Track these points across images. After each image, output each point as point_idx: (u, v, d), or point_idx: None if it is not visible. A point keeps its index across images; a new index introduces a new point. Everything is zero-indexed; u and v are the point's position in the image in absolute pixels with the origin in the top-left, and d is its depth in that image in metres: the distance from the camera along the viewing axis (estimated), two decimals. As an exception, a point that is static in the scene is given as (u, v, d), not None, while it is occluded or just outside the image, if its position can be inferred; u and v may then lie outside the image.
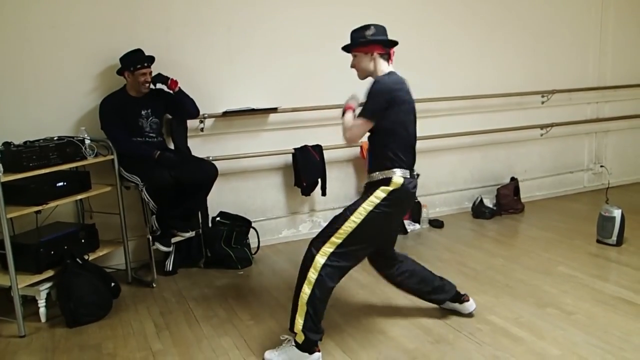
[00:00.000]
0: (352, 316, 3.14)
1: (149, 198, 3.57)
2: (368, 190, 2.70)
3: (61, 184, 3.30)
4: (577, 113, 5.63)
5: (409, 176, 2.68)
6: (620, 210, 4.04)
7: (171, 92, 3.76)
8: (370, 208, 2.62)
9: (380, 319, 3.08)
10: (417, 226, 4.77)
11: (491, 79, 5.14)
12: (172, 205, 3.68)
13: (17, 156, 3.05)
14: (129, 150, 3.62)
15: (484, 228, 4.76)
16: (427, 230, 4.74)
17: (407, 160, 2.70)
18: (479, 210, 5.03)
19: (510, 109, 5.29)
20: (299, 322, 2.57)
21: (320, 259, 2.59)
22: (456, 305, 3.05)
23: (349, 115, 2.76)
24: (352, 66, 2.79)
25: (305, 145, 4.37)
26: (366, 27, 2.71)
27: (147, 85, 3.68)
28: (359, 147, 4.58)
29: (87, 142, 3.44)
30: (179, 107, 3.84)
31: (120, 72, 3.68)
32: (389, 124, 2.64)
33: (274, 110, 4.27)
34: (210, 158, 4.03)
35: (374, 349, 2.75)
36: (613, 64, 5.73)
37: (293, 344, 2.62)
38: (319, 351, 2.62)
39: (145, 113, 3.74)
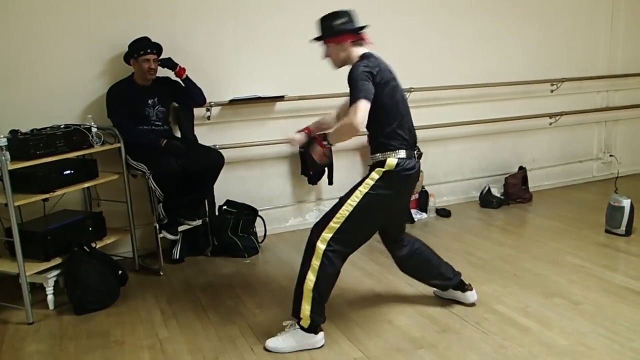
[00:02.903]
0: (358, 305, 3.14)
1: (155, 186, 3.57)
2: (368, 172, 2.70)
3: (68, 172, 3.30)
4: (586, 102, 5.58)
5: (405, 156, 2.63)
6: (629, 200, 4.01)
7: (178, 79, 3.76)
8: (366, 190, 2.61)
9: (386, 308, 3.07)
10: (424, 215, 4.75)
11: (500, 67, 5.09)
12: (179, 193, 3.68)
13: (24, 144, 3.05)
14: (136, 139, 3.62)
15: (492, 217, 4.74)
16: (434, 220, 4.72)
17: (404, 139, 2.65)
18: (486, 200, 5.00)
19: (518, 98, 5.25)
20: (306, 308, 2.60)
21: (321, 245, 2.59)
22: (458, 294, 3.04)
23: (332, 131, 2.67)
24: (324, 57, 2.75)
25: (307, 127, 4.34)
26: (335, 16, 2.66)
27: (152, 72, 3.65)
28: (365, 136, 4.55)
29: (94, 130, 3.44)
30: (186, 95, 3.83)
31: (127, 60, 3.68)
32: (379, 103, 2.56)
33: (280, 98, 4.25)
34: (217, 146, 4.02)
35: (380, 338, 2.75)
36: (624, 52, 5.65)
37: (297, 327, 2.65)
38: (321, 330, 2.68)
39: (152, 102, 3.74)
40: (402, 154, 2.64)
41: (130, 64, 3.68)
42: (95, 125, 3.47)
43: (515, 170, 5.19)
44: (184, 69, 3.76)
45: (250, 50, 4.20)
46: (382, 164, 2.63)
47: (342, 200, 2.64)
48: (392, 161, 2.61)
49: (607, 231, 4.11)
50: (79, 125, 3.42)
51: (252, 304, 3.22)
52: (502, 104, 5.17)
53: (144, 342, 2.82)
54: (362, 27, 2.70)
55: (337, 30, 2.64)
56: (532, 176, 5.26)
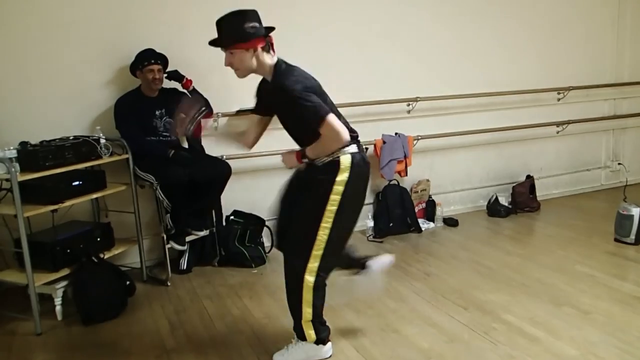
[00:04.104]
0: (365, 314, 3.12)
1: (163, 196, 3.58)
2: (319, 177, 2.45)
3: (77, 183, 3.33)
4: (594, 110, 5.56)
5: (355, 149, 2.43)
6: (638, 209, 3.98)
7: (185, 91, 3.79)
8: (334, 208, 2.41)
9: (394, 318, 3.06)
10: (432, 224, 4.74)
11: (506, 75, 5.09)
12: (186, 204, 3.69)
13: (33, 155, 3.08)
14: (144, 149, 3.64)
15: (500, 226, 4.72)
16: (442, 229, 4.70)
17: (351, 134, 2.43)
18: (494, 209, 4.98)
19: (525, 106, 5.24)
20: (311, 334, 2.57)
21: (310, 278, 2.45)
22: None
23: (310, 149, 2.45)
24: (228, 64, 2.41)
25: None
26: (243, 18, 2.31)
27: (157, 82, 3.68)
28: (372, 145, 4.57)
29: (103, 141, 3.46)
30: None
31: (133, 72, 3.72)
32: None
33: (287, 108, 4.26)
34: (224, 157, 4.04)
35: (388, 348, 2.74)
36: (630, 60, 5.64)
37: (298, 343, 2.62)
38: (329, 340, 2.64)
39: (160, 113, 3.77)
40: (353, 147, 2.43)
41: (137, 76, 3.71)
42: (103, 137, 3.49)
43: (523, 179, 5.17)
44: (190, 81, 3.80)
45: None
46: (336, 164, 2.38)
47: (310, 219, 2.44)
48: (346, 159, 2.39)
49: (616, 240, 4.08)
50: (88, 137, 3.45)
51: (260, 313, 3.21)
52: (509, 112, 5.17)
53: (151, 353, 2.82)
54: (271, 29, 2.43)
55: (247, 34, 2.30)
56: (539, 185, 5.23)
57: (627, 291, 3.26)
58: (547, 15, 5.21)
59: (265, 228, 4.21)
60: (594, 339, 2.72)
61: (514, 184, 5.08)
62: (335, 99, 4.43)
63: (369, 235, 4.43)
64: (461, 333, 2.84)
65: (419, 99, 4.57)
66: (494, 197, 5.02)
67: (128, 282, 3.43)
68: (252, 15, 2.35)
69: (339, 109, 4.40)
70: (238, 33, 2.31)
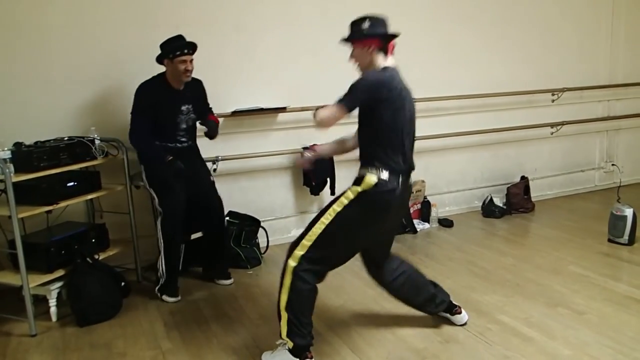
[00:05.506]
0: (360, 315, 3.13)
1: (161, 233, 3.45)
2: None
3: (71, 183, 3.32)
4: (588, 111, 5.59)
5: (386, 178, 2.48)
6: (632, 209, 4.01)
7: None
8: (339, 209, 2.50)
9: (389, 318, 3.07)
10: (427, 225, 4.75)
11: (501, 77, 5.11)
12: (179, 251, 3.64)
13: (28, 156, 3.08)
14: (145, 148, 3.42)
15: (494, 227, 4.73)
16: (437, 230, 4.71)
17: (394, 162, 2.50)
18: (488, 210, 5.00)
19: (520, 107, 5.26)
20: (283, 329, 2.55)
21: (292, 263, 2.51)
22: (447, 316, 2.96)
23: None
24: (351, 57, 2.68)
25: (314, 145, 4.36)
26: (364, 19, 2.58)
27: (189, 73, 3.39)
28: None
29: (97, 142, 3.46)
30: (204, 124, 3.67)
31: (159, 60, 3.42)
32: (375, 122, 2.49)
33: (282, 109, 4.27)
34: (220, 157, 4.04)
35: (383, 348, 2.75)
36: (624, 62, 5.67)
37: (285, 348, 2.59)
38: (311, 357, 2.55)
39: (186, 109, 3.48)
40: (384, 175, 2.48)
41: (164, 65, 3.41)
42: (98, 138, 3.48)
43: (518, 179, 5.20)
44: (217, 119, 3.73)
45: (253, 62, 4.23)
46: (360, 180, 2.51)
47: (317, 217, 2.56)
48: (370, 179, 2.47)
49: (610, 240, 4.10)
50: (82, 138, 3.44)
51: (255, 314, 3.21)
52: (504, 113, 5.19)
53: (146, 354, 2.81)
54: (391, 35, 2.62)
55: (364, 34, 2.57)
56: (534, 186, 5.26)
57: (620, 291, 3.28)
58: (541, 17, 5.24)
59: (260, 229, 4.21)
60: (588, 339, 2.74)
61: (509, 185, 5.10)
62: (331, 100, 4.46)
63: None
64: (456, 334, 2.85)
65: (413, 99, 4.57)
66: (489, 198, 5.04)
67: (123, 283, 3.43)
68: (376, 20, 2.60)
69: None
70: (357, 32, 2.60)
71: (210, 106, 3.77)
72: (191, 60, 3.39)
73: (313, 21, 4.38)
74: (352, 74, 4.36)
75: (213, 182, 3.72)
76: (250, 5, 4.18)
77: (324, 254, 2.54)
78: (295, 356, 2.55)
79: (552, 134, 5.41)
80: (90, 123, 3.72)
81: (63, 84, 3.73)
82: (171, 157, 3.37)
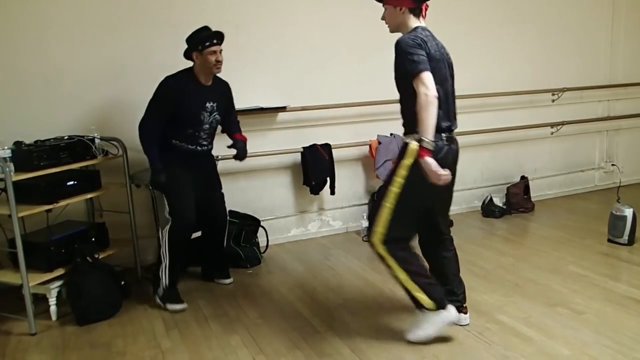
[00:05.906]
0: (360, 315, 3.13)
1: (167, 245, 3.31)
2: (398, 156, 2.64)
3: (71, 183, 3.32)
4: (588, 111, 5.59)
5: (430, 139, 2.46)
6: (631, 209, 4.00)
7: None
8: (397, 190, 2.58)
9: (388, 318, 3.07)
10: (426, 225, 4.75)
11: (501, 77, 5.11)
12: (184, 259, 3.56)
13: (28, 155, 3.08)
14: (146, 147, 3.25)
15: (494, 227, 4.73)
16: (437, 229, 4.71)
17: (438, 122, 2.51)
18: (488, 209, 5.00)
19: (520, 107, 5.27)
20: (423, 297, 2.64)
21: (381, 250, 2.62)
22: None
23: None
24: (383, 18, 2.72)
25: (314, 144, 4.37)
26: None
27: (219, 65, 3.24)
28: (367, 146, 4.58)
29: (97, 141, 3.46)
30: (233, 145, 3.57)
31: (187, 55, 3.28)
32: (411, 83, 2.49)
33: (282, 109, 4.27)
34: (219, 157, 4.04)
35: (383, 348, 2.75)
36: (624, 62, 5.67)
37: (425, 311, 2.68)
38: (456, 305, 2.74)
39: (211, 106, 3.32)
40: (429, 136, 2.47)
41: (193, 59, 3.26)
42: (98, 137, 3.48)
43: (517, 179, 5.20)
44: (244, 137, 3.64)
45: (252, 61, 4.23)
46: (404, 151, 2.57)
47: (378, 203, 2.65)
48: (413, 146, 2.50)
49: (609, 240, 4.10)
50: (83, 137, 3.44)
51: (255, 313, 3.22)
52: (504, 113, 5.19)
53: (146, 353, 2.82)
54: None
55: None
56: (534, 186, 5.26)
57: (620, 291, 3.28)
58: (542, 17, 5.24)
59: (260, 228, 4.22)
60: (587, 339, 2.74)
61: (509, 185, 5.11)
62: (331, 99, 4.47)
63: (364, 236, 4.43)
64: (456, 333, 2.85)
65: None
66: (489, 197, 5.04)
67: (123, 282, 3.42)
68: None
69: (338, 109, 4.39)
70: None
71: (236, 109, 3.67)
72: (220, 51, 3.24)
73: (313, 21, 4.38)
74: (352, 74, 4.41)
75: (222, 195, 3.65)
76: (251, 5, 4.18)
77: (402, 229, 2.65)
78: (440, 308, 2.66)
79: (552, 134, 5.41)
80: (91, 122, 3.73)
81: (63, 83, 3.73)
82: (160, 167, 3.22)
